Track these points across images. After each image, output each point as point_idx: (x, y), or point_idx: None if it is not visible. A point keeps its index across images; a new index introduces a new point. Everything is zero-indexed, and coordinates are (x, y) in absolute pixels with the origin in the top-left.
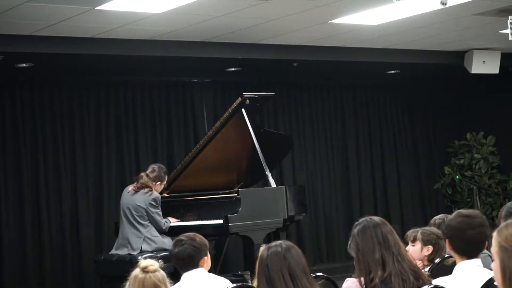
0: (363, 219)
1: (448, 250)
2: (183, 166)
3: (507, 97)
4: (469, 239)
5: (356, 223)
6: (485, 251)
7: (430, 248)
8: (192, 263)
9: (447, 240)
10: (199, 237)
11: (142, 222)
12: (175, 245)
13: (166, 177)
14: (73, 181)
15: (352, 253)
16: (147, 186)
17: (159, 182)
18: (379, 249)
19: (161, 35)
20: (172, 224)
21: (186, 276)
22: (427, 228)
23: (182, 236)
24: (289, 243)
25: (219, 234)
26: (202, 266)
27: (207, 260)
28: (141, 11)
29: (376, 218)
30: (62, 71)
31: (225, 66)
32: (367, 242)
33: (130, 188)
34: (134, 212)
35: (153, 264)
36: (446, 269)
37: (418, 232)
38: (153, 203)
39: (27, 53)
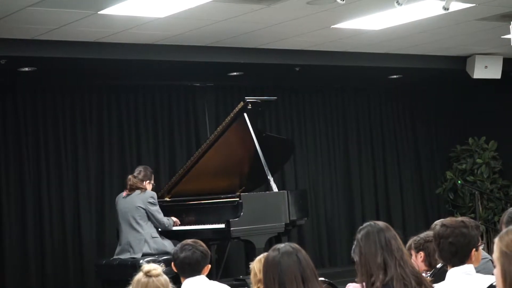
0: (367, 223)
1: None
2: (185, 171)
3: (509, 102)
4: (444, 248)
5: (360, 227)
6: (487, 255)
7: (422, 253)
8: (197, 268)
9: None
10: (203, 245)
11: (142, 223)
12: (181, 249)
13: (153, 176)
14: (75, 185)
15: (356, 257)
16: (138, 187)
17: (148, 181)
18: (381, 253)
19: (163, 40)
20: (174, 228)
21: (188, 283)
22: (420, 235)
23: (189, 241)
24: (295, 244)
25: (220, 238)
26: (204, 274)
27: (208, 268)
28: (143, 15)
29: (380, 223)
30: (64, 75)
31: (227, 70)
32: (370, 247)
33: (124, 193)
34: (133, 214)
35: (156, 268)
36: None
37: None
38: (151, 201)
39: (30, 57)
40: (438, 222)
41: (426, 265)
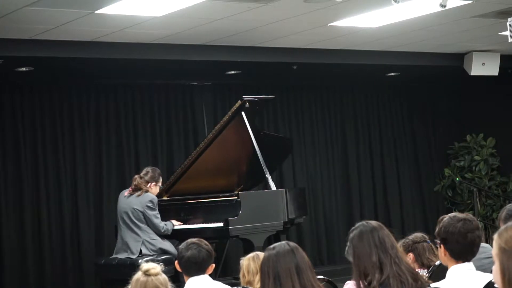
0: (360, 223)
1: (442, 255)
2: (183, 169)
3: (506, 98)
4: (470, 242)
5: (353, 228)
6: None
7: (411, 255)
8: (203, 267)
9: (442, 245)
10: (208, 244)
11: (140, 225)
12: (187, 248)
13: (161, 178)
14: (73, 184)
15: (350, 258)
16: (140, 189)
17: (154, 183)
18: (376, 252)
19: (160, 39)
20: (176, 227)
21: (192, 282)
22: (409, 237)
23: (194, 240)
24: (292, 243)
25: (219, 237)
26: (208, 273)
27: (212, 268)
28: (140, 14)
29: (373, 222)
30: (61, 75)
31: (224, 69)
32: (364, 246)
33: (126, 192)
34: (131, 216)
35: (155, 267)
36: (445, 271)
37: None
38: (149, 205)
39: (27, 57)
40: (453, 216)
41: (418, 265)
